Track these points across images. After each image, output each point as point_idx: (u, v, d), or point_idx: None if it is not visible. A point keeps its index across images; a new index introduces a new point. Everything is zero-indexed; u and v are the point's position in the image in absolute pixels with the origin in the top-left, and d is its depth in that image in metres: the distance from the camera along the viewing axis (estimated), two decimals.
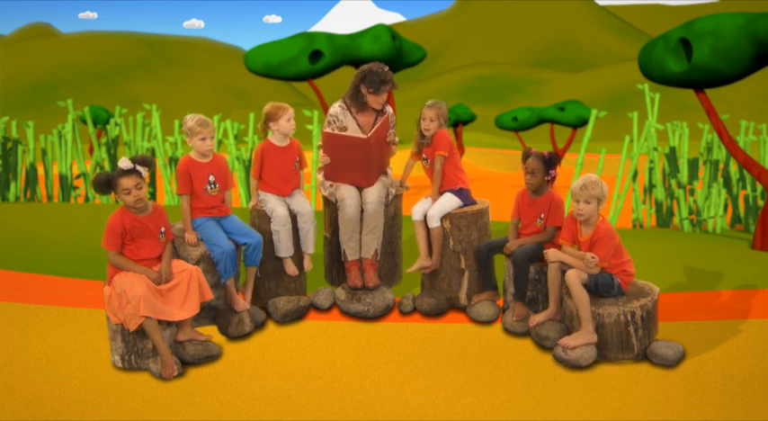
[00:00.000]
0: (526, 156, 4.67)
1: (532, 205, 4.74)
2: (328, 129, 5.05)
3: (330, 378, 4.09)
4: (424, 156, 5.08)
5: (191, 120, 4.61)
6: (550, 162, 4.62)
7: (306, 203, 5.05)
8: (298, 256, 5.09)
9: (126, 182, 4.00)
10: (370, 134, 4.82)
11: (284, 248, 4.94)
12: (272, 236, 4.93)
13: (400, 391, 3.93)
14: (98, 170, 12.89)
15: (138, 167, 4.04)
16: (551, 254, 4.45)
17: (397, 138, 5.22)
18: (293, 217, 5.01)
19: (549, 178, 4.67)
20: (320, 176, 5.12)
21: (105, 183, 4.04)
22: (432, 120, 4.95)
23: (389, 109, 5.21)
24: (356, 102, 4.99)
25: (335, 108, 5.07)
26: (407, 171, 5.31)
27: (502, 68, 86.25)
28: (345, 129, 5.05)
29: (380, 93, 4.90)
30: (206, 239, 4.62)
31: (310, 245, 5.05)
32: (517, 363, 4.26)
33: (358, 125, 5.05)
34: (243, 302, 4.74)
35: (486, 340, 4.59)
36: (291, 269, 5.00)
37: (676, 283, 5.65)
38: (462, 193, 5.04)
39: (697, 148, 16.26)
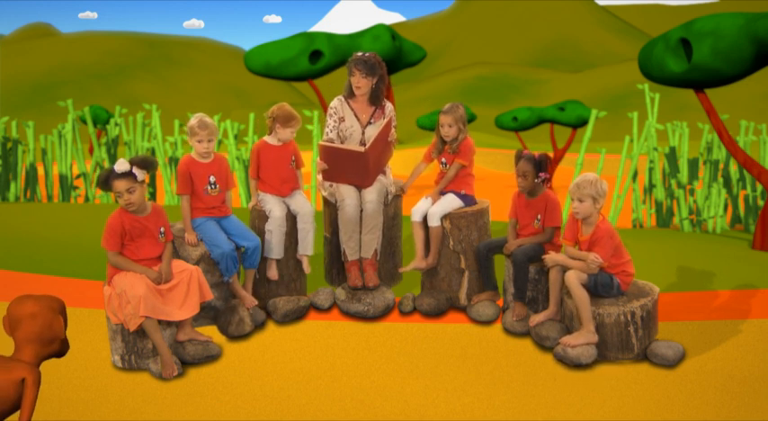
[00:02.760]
0: (518, 158, 4.67)
1: (529, 206, 4.74)
2: (330, 122, 5.09)
3: (330, 378, 4.09)
4: (443, 159, 5.08)
5: (193, 119, 4.62)
6: (540, 164, 4.59)
7: (306, 204, 5.04)
8: (290, 261, 5.07)
9: (118, 185, 3.98)
10: (367, 147, 4.79)
11: (274, 250, 4.92)
12: (265, 235, 4.91)
13: (400, 391, 3.93)
14: (98, 170, 12.88)
15: (135, 170, 4.01)
16: (549, 259, 4.45)
17: (396, 137, 5.22)
18: (293, 218, 5.00)
19: (540, 180, 4.63)
20: (320, 177, 5.12)
21: (105, 182, 4.04)
22: (450, 126, 4.95)
23: (389, 105, 5.22)
24: (348, 90, 5.14)
25: (334, 101, 5.20)
26: (415, 175, 5.29)
27: (502, 68, 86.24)
28: (343, 119, 5.10)
29: (352, 74, 5.03)
30: (206, 240, 4.62)
31: (309, 246, 5.02)
32: (517, 363, 4.26)
33: (354, 115, 5.10)
34: (251, 298, 4.75)
35: (486, 340, 4.58)
36: (273, 272, 4.96)
37: (676, 283, 5.65)
38: (466, 198, 5.04)
39: (697, 148, 16.25)
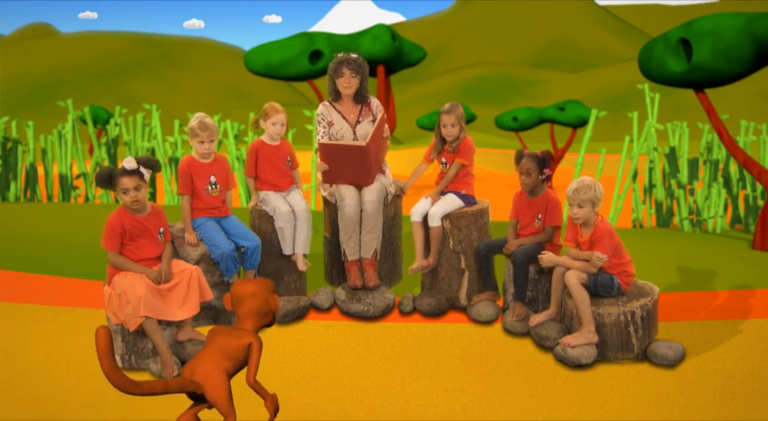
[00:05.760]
0: (519, 157, 4.68)
1: (530, 206, 4.74)
2: (320, 128, 5.10)
3: (330, 378, 4.09)
4: (443, 160, 5.08)
5: (193, 120, 4.63)
6: (543, 161, 4.63)
7: (301, 201, 5.04)
8: (290, 261, 5.07)
9: (126, 181, 4.00)
10: (367, 140, 4.81)
11: (290, 245, 4.95)
12: (277, 234, 4.93)
13: (400, 391, 3.93)
14: (97, 170, 12.88)
15: (142, 169, 4.03)
16: (546, 259, 4.45)
17: (389, 132, 5.23)
18: None
19: (544, 177, 4.68)
20: (320, 175, 5.12)
21: (107, 179, 4.04)
22: (453, 125, 4.96)
23: (375, 101, 5.22)
24: (333, 93, 5.15)
25: (319, 107, 5.20)
26: (415, 176, 5.30)
27: (502, 68, 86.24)
28: (332, 123, 5.10)
29: (340, 75, 5.02)
30: (206, 240, 4.62)
31: (301, 244, 5.01)
32: (517, 363, 4.26)
33: (342, 116, 5.11)
34: None
35: (486, 340, 4.59)
36: (301, 264, 4.99)
37: (676, 283, 5.65)
38: (467, 198, 5.04)
39: (697, 148, 16.25)
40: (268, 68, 17.61)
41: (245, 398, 3.57)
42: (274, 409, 3.10)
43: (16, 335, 4.56)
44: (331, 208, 5.15)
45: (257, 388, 3.06)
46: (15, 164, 12.17)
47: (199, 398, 3.13)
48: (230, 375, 3.11)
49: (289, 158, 5.13)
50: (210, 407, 3.13)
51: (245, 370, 3.20)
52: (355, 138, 5.09)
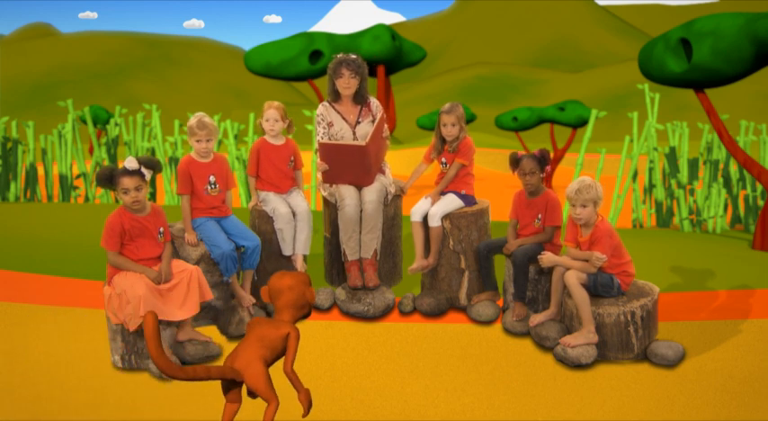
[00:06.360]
0: (516, 159, 4.68)
1: (530, 206, 4.75)
2: (320, 129, 5.11)
3: (330, 378, 4.09)
4: (443, 159, 5.09)
5: (192, 119, 4.63)
6: (543, 159, 4.65)
7: (302, 203, 5.05)
8: (290, 261, 5.07)
9: (127, 181, 4.00)
10: (367, 140, 4.81)
11: (290, 246, 4.95)
12: (276, 234, 4.94)
13: (400, 391, 3.93)
14: (98, 170, 12.87)
15: (143, 169, 4.03)
16: (546, 259, 4.45)
17: (388, 132, 5.24)
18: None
19: (544, 175, 4.69)
20: (320, 175, 5.12)
21: (108, 178, 4.04)
22: (453, 125, 4.96)
23: (374, 101, 5.22)
24: (333, 94, 5.16)
25: (319, 107, 5.21)
26: (416, 176, 5.30)
27: (502, 68, 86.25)
28: (332, 124, 5.11)
29: (340, 76, 5.02)
30: (206, 240, 4.62)
31: (301, 245, 5.02)
32: (517, 363, 4.26)
33: (342, 117, 5.12)
34: (249, 297, 4.75)
35: (486, 340, 4.59)
36: (300, 265, 5.00)
37: (676, 283, 5.65)
38: (467, 198, 5.04)
39: (697, 148, 16.25)
40: (268, 68, 17.61)
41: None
42: (308, 404, 3.14)
43: (16, 335, 4.56)
44: (331, 208, 5.15)
45: (293, 378, 3.13)
46: (15, 164, 12.17)
47: (235, 388, 3.20)
48: (268, 364, 3.18)
49: (292, 158, 5.12)
50: (254, 395, 3.19)
51: (280, 360, 3.26)
52: (355, 139, 5.09)
